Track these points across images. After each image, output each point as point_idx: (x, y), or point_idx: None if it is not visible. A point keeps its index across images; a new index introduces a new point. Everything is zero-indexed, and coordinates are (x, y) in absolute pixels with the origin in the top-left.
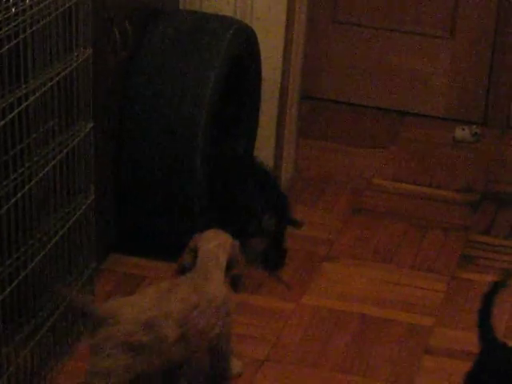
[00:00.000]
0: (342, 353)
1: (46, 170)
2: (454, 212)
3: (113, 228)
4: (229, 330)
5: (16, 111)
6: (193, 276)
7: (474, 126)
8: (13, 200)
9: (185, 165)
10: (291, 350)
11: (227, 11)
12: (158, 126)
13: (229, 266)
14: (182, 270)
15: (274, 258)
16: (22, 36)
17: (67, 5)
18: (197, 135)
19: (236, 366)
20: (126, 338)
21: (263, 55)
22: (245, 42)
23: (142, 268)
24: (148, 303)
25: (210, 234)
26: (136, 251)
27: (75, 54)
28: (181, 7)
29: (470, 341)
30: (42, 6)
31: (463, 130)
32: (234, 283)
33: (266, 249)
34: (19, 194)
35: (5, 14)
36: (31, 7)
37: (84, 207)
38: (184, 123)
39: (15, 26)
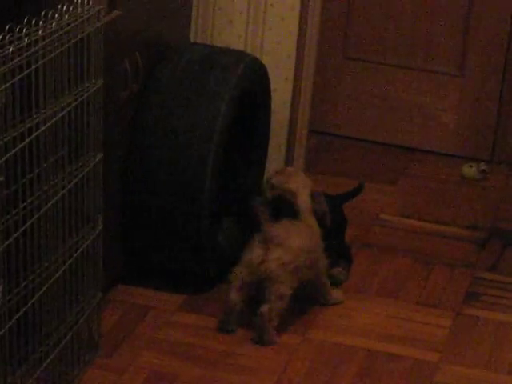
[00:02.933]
0: None
1: (55, 199)
2: (460, 249)
3: (119, 259)
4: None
5: (27, 141)
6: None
7: (482, 164)
8: (22, 229)
9: (192, 199)
10: (297, 382)
11: (238, 45)
12: (166, 160)
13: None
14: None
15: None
16: (33, 66)
17: (79, 36)
18: (205, 171)
19: (337, 294)
20: (296, 263)
21: (273, 89)
22: (255, 76)
23: (148, 298)
24: (305, 234)
25: (289, 173)
26: (142, 282)
27: (86, 84)
28: (192, 40)
29: (476, 377)
30: (54, 36)
31: (471, 167)
32: (322, 218)
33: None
34: (28, 223)
35: (17, 44)
36: (43, 38)
37: (92, 237)
38: (193, 159)
39: (27, 57)
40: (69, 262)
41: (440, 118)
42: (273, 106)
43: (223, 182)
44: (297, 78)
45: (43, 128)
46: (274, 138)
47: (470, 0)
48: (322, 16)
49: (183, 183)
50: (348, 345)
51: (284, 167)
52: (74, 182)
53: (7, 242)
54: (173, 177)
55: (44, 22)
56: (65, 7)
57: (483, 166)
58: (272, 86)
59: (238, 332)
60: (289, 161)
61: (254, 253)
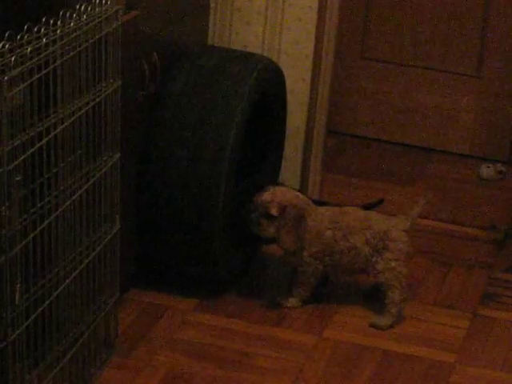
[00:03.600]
0: None
1: (72, 199)
2: (477, 249)
3: (135, 259)
4: None
5: (44, 140)
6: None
7: (499, 164)
8: (39, 228)
9: (207, 201)
10: (313, 383)
11: (255, 46)
12: (181, 163)
13: None
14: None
15: None
16: (51, 66)
17: (97, 36)
18: (220, 174)
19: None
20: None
21: (290, 90)
22: (269, 81)
23: (164, 298)
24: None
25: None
26: (159, 282)
27: (104, 84)
28: (210, 41)
29: (492, 378)
30: (72, 36)
31: (488, 167)
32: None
33: None
34: (45, 223)
35: (36, 43)
36: (62, 38)
37: (110, 236)
38: (208, 159)
39: (45, 56)
40: (86, 261)
41: (457, 119)
42: (290, 106)
43: (239, 183)
44: (314, 79)
45: (61, 127)
46: (291, 139)
47: (488, 1)
48: (339, 16)
49: (199, 184)
50: (364, 345)
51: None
52: (92, 181)
53: (25, 241)
54: (189, 177)
55: (62, 21)
56: (83, 7)
57: (501, 167)
58: (289, 87)
59: (254, 332)
60: (306, 162)
61: None
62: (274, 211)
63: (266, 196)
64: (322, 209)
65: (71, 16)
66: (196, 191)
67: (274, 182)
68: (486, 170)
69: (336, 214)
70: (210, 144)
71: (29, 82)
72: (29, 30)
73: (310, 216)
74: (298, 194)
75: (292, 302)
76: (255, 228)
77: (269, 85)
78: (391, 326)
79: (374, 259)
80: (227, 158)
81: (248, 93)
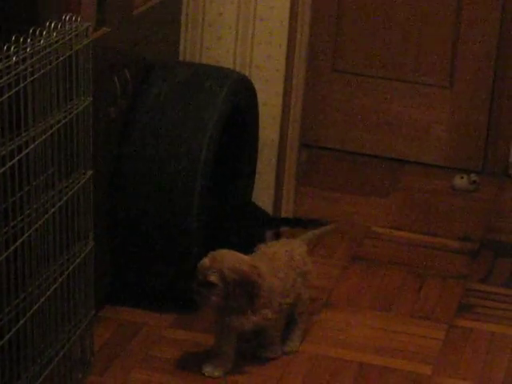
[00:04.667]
0: None
1: (45, 217)
2: (452, 260)
3: (109, 276)
4: None
5: (16, 159)
6: None
7: (473, 175)
8: (12, 247)
9: (181, 219)
10: None
11: (227, 61)
12: (153, 179)
13: None
14: None
15: None
16: (22, 84)
17: (68, 53)
18: (193, 190)
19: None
20: None
21: (262, 103)
22: (241, 95)
23: (140, 315)
24: None
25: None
26: (133, 300)
27: (75, 102)
28: (181, 56)
29: None
30: (42, 54)
31: (462, 178)
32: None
33: None
34: (18, 242)
35: (6, 62)
36: (32, 56)
37: (84, 254)
38: (180, 177)
39: (15, 75)
40: (60, 279)
41: (430, 130)
42: (263, 120)
43: (212, 199)
44: (286, 92)
45: (32, 146)
46: (264, 152)
47: (459, 12)
48: (310, 30)
49: (172, 200)
50: (341, 358)
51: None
52: (65, 199)
53: None
54: (161, 194)
55: (32, 39)
56: (53, 24)
57: (474, 177)
58: (262, 101)
59: None
60: (280, 175)
61: None
62: (212, 278)
63: (205, 261)
64: (258, 262)
65: (41, 34)
66: (169, 206)
67: (248, 197)
68: (460, 181)
69: (266, 262)
70: (183, 157)
71: None
72: None
73: (259, 277)
74: (243, 256)
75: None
76: (196, 298)
77: (240, 98)
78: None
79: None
80: (200, 170)
81: (220, 105)
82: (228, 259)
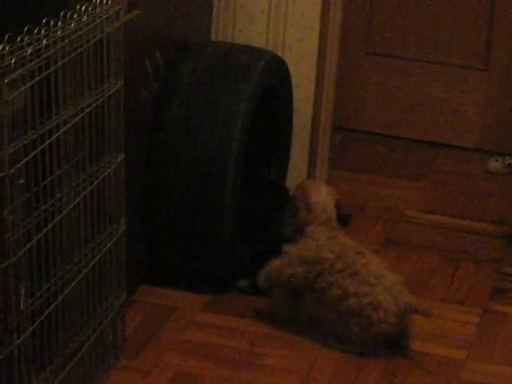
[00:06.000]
0: None
1: (76, 201)
2: (486, 244)
3: (142, 260)
4: None
5: (47, 142)
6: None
7: (508, 158)
8: (44, 231)
9: (214, 197)
10: (322, 382)
11: (259, 42)
12: (187, 159)
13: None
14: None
15: None
16: (53, 68)
17: (99, 36)
18: (227, 169)
19: None
20: None
21: (295, 86)
22: (276, 73)
23: (172, 299)
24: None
25: (312, 185)
26: (165, 283)
27: (106, 85)
28: (213, 38)
29: (503, 374)
30: (73, 37)
31: (496, 161)
32: (345, 221)
33: None
34: (49, 226)
35: (36, 45)
36: (62, 39)
37: (115, 238)
38: (214, 157)
39: (46, 58)
40: (91, 263)
41: (464, 113)
42: (295, 103)
43: (245, 180)
44: (319, 75)
45: (63, 129)
46: (297, 135)
47: None
48: (343, 11)
49: (205, 181)
50: None
51: (303, 181)
52: (96, 183)
53: (29, 245)
54: (195, 175)
55: (62, 22)
56: (83, 7)
57: (509, 160)
58: (294, 83)
59: (262, 331)
60: (312, 158)
61: None
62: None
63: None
64: None
65: (72, 17)
66: (204, 186)
67: (283, 178)
68: (494, 164)
69: None
70: (217, 133)
71: (29, 84)
72: (29, 32)
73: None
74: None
75: None
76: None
77: (275, 75)
78: None
79: None
80: (235, 144)
81: (256, 78)
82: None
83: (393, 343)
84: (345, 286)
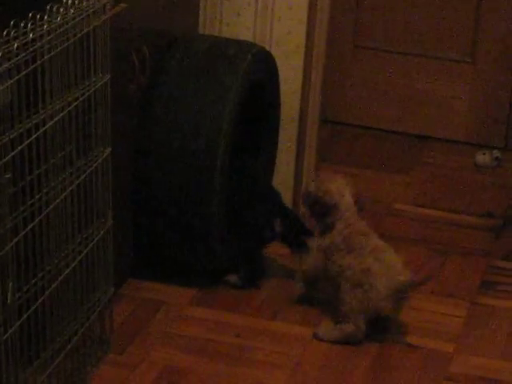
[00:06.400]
0: (362, 379)
1: (63, 195)
2: (474, 237)
3: (129, 253)
4: None
5: (33, 137)
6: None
7: (495, 151)
8: (30, 226)
9: (202, 190)
10: (311, 376)
11: (246, 36)
12: (175, 152)
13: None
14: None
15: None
16: (39, 61)
17: (85, 30)
18: (215, 162)
19: None
20: None
21: (282, 79)
22: (263, 66)
23: (160, 293)
24: None
25: (331, 183)
26: (153, 276)
27: (93, 79)
28: (200, 31)
29: (491, 367)
30: (59, 31)
31: (484, 154)
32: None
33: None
34: (37, 220)
35: (22, 39)
36: (49, 33)
37: (102, 232)
38: (201, 151)
39: (32, 52)
40: (79, 257)
41: (452, 106)
42: (283, 96)
43: (233, 173)
44: (306, 68)
45: (50, 123)
46: (285, 128)
47: None
48: (331, 4)
49: (193, 175)
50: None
51: (317, 174)
52: (83, 177)
53: (16, 239)
54: (182, 169)
55: (49, 16)
56: (70, 1)
57: (497, 153)
58: (282, 77)
59: (250, 325)
60: (300, 151)
61: None
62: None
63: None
64: None
65: (58, 10)
66: (191, 181)
67: (271, 172)
68: (482, 157)
69: None
70: (204, 127)
71: (16, 78)
72: (15, 26)
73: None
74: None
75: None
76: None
77: (263, 68)
78: None
79: None
80: (223, 137)
81: (243, 71)
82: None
83: (384, 323)
84: (344, 262)
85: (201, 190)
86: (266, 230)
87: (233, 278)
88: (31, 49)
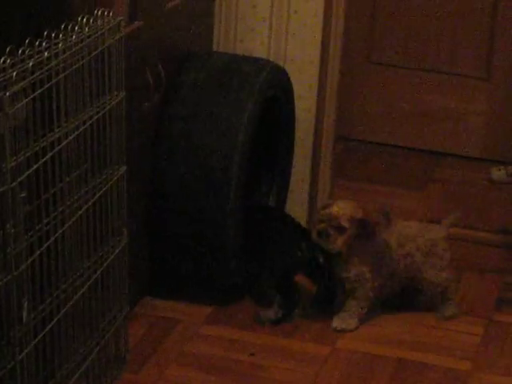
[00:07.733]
0: None
1: (79, 213)
2: (490, 254)
3: (145, 272)
4: None
5: (49, 155)
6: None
7: (511, 167)
8: (46, 244)
9: (218, 209)
10: None
11: (261, 53)
12: (190, 170)
13: None
14: None
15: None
16: (54, 80)
17: (100, 48)
18: (230, 180)
19: None
20: None
21: (297, 96)
22: (278, 83)
23: (175, 311)
24: None
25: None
26: (168, 295)
27: (108, 97)
28: (214, 49)
29: None
30: (74, 49)
31: (499, 170)
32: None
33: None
34: (52, 238)
35: (38, 57)
36: (64, 51)
37: (117, 250)
38: (217, 169)
39: (48, 70)
40: (94, 276)
41: (467, 122)
42: (297, 113)
43: (248, 191)
44: (321, 85)
45: (65, 142)
46: (299, 145)
47: (496, 2)
48: (345, 21)
49: (208, 193)
50: (378, 354)
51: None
52: (98, 195)
53: (31, 259)
54: (198, 187)
55: (64, 34)
56: (85, 19)
57: None
58: (296, 94)
59: (267, 344)
60: (315, 168)
61: None
62: (344, 223)
63: (335, 209)
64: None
65: (73, 29)
66: (207, 199)
67: (286, 190)
68: (497, 173)
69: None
70: (220, 144)
71: (31, 96)
72: (30, 44)
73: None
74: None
75: (351, 323)
76: (323, 241)
77: (277, 85)
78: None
79: (424, 267)
80: (238, 154)
81: (258, 89)
82: (351, 207)
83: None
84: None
85: (216, 207)
86: (296, 254)
87: (268, 314)
88: (46, 67)
